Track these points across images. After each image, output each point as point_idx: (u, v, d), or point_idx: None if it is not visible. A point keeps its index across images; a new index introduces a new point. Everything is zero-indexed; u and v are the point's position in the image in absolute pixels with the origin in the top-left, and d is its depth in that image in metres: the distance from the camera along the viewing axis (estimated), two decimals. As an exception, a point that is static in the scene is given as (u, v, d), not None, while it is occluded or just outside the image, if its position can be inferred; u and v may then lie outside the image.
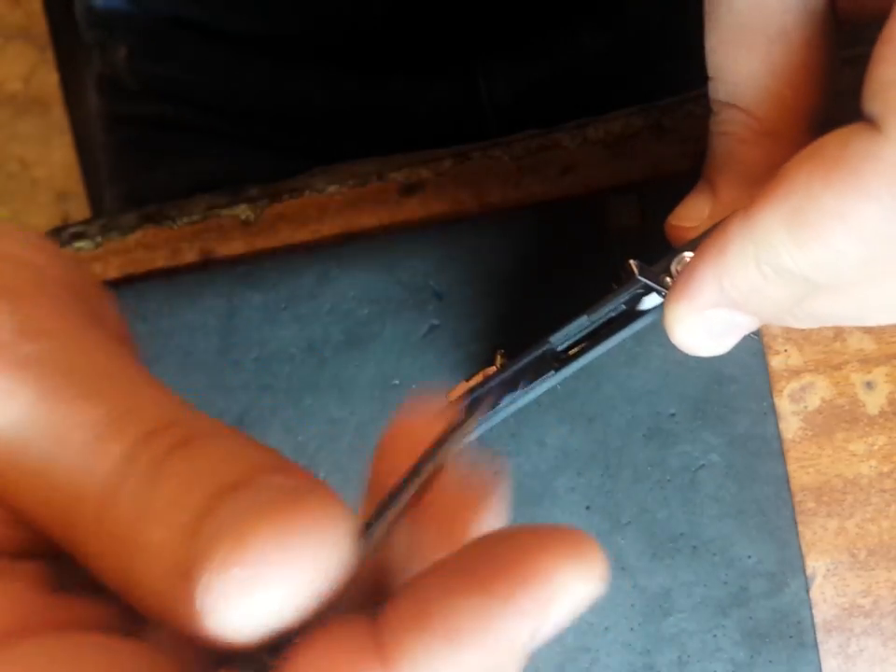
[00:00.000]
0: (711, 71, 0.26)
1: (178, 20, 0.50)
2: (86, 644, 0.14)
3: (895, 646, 0.33)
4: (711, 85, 0.26)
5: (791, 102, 0.25)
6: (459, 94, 0.50)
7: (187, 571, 0.13)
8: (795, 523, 0.33)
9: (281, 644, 0.14)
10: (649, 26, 0.50)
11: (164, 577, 0.14)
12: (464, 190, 0.36)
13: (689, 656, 0.32)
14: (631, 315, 0.28)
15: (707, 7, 0.25)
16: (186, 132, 0.52)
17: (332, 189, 0.36)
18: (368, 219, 0.36)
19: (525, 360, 0.28)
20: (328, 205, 0.36)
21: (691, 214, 0.28)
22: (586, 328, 0.28)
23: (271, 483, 0.14)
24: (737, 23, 0.24)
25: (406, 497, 0.16)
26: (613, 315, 0.28)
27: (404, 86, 0.50)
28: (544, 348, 0.28)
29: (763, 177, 0.24)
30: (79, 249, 0.37)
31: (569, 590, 0.14)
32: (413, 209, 0.36)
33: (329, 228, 0.36)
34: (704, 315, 0.24)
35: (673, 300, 0.24)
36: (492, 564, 0.14)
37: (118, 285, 0.36)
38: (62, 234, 0.37)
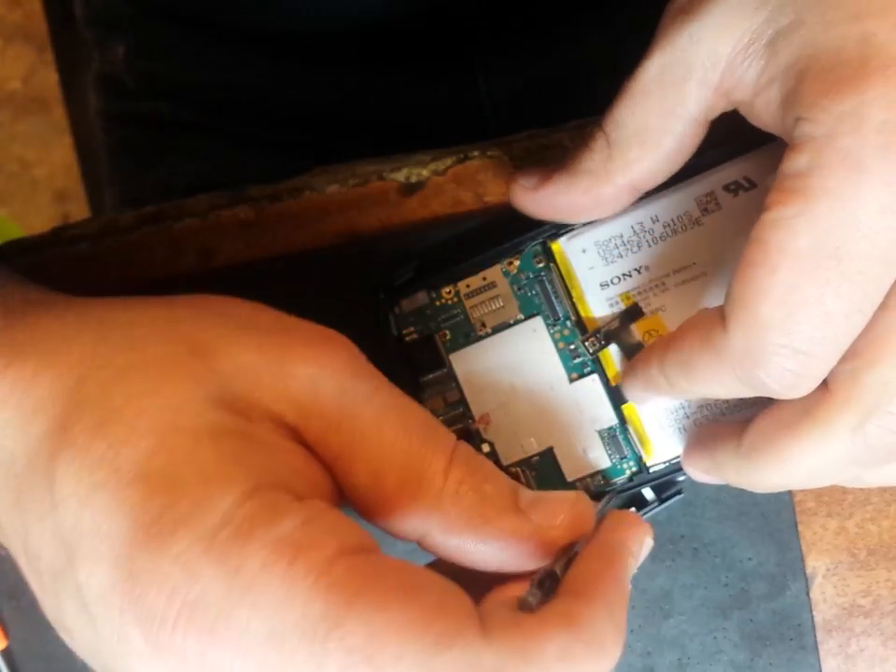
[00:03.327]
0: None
1: (177, 18, 0.50)
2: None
3: (895, 646, 0.33)
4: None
5: (657, 168, 0.28)
6: (459, 94, 0.50)
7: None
8: (796, 525, 0.33)
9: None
10: (649, 26, 0.50)
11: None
12: (464, 190, 0.36)
13: (689, 658, 0.32)
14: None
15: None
16: (185, 131, 0.52)
17: (332, 188, 0.36)
18: (368, 219, 0.36)
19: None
20: (328, 205, 0.36)
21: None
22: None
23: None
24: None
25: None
26: None
27: (404, 85, 0.50)
28: None
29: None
30: (79, 249, 0.37)
31: None
32: (413, 209, 0.36)
33: (329, 228, 0.36)
34: None
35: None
36: None
37: (119, 289, 0.36)
38: (62, 234, 0.37)
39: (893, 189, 0.22)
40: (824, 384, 0.24)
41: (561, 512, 0.25)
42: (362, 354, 0.26)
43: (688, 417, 0.30)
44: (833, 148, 0.23)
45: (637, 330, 0.31)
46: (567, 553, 0.24)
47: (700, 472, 0.29)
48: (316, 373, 0.24)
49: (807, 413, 0.25)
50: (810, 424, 0.25)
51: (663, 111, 0.27)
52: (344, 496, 0.25)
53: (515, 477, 0.32)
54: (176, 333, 0.24)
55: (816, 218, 0.23)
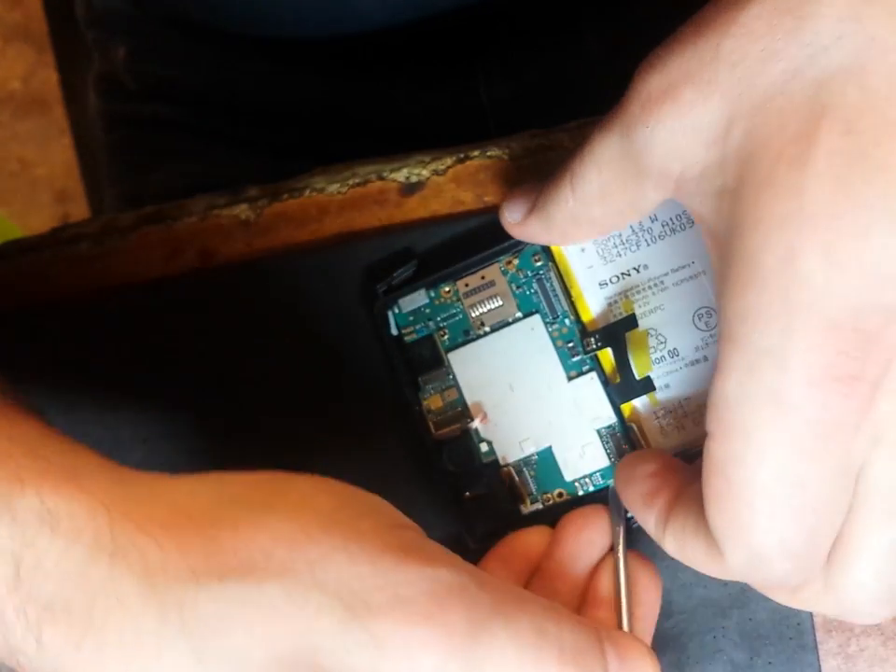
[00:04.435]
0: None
1: (177, 20, 0.50)
2: None
3: (895, 646, 0.33)
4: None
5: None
6: (459, 94, 0.50)
7: None
8: (795, 523, 0.33)
9: None
10: (650, 27, 0.50)
11: None
12: (464, 190, 0.36)
13: (688, 657, 0.32)
14: None
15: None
16: (185, 132, 0.52)
17: (332, 188, 0.36)
18: (368, 219, 0.36)
19: None
20: (328, 205, 0.36)
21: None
22: None
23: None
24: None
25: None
26: None
27: (404, 86, 0.50)
28: None
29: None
30: (79, 249, 0.37)
31: None
32: (413, 209, 0.36)
33: (328, 228, 0.36)
34: None
35: None
36: None
37: (119, 289, 0.36)
38: (61, 234, 0.37)
39: (816, 425, 0.22)
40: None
41: None
42: (472, 583, 0.23)
43: (687, 416, 0.30)
44: (756, 382, 0.22)
45: (629, 340, 0.31)
46: None
47: None
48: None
49: (794, 594, 0.26)
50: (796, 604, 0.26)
51: (624, 191, 0.27)
52: None
53: (511, 477, 0.32)
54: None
55: (763, 452, 0.22)
